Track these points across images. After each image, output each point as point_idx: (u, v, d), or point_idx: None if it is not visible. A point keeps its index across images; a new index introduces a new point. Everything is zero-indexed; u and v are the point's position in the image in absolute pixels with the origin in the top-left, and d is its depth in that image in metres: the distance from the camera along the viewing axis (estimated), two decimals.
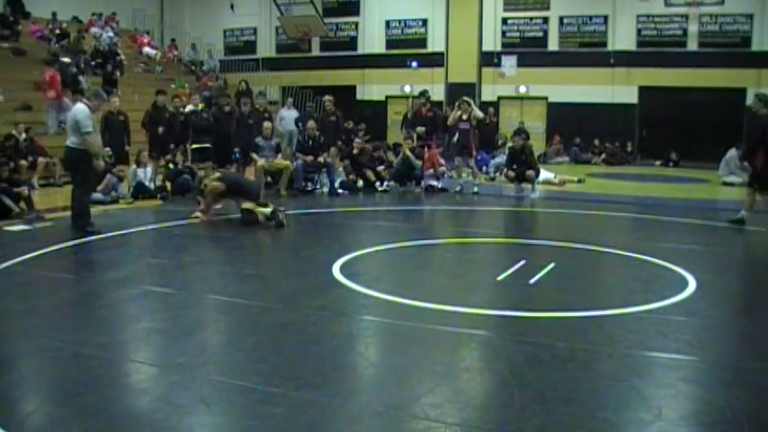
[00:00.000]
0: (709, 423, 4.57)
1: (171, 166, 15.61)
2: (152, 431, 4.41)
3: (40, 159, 16.32)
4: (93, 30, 27.13)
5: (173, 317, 6.84)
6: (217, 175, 12.79)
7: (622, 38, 26.17)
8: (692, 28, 25.25)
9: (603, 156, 25.57)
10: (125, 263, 9.35)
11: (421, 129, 17.51)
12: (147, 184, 15.08)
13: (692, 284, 7.91)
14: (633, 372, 5.35)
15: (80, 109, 10.93)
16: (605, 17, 26.49)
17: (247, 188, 12.46)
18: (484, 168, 20.11)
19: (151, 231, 11.26)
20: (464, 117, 16.53)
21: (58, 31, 25.53)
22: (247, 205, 11.87)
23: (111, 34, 27.06)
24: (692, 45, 25.30)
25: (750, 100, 22.06)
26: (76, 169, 11.18)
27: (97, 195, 14.05)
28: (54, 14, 26.72)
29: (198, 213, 12.25)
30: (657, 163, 24.43)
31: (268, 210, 11.76)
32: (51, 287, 8.39)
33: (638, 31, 26.04)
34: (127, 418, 4.58)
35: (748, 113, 17.39)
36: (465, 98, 17.18)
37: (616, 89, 25.87)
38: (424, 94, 18.47)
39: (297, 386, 5.00)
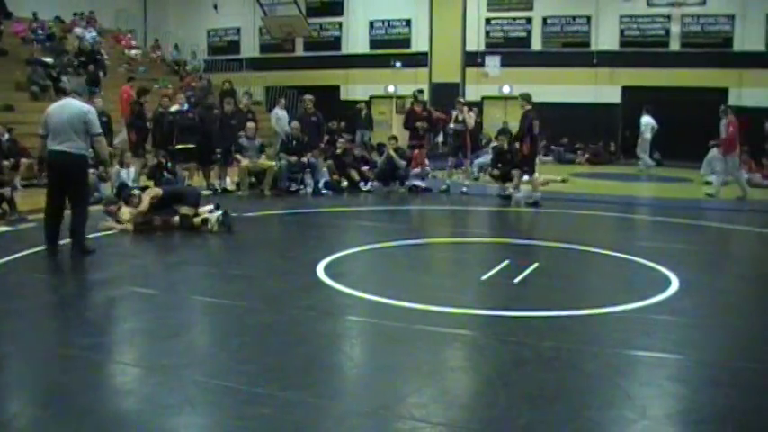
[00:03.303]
0: (693, 421, 4.60)
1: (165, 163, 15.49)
2: None
3: (23, 160, 16.20)
4: (77, 30, 27.02)
5: (158, 318, 6.82)
6: (158, 190, 12.00)
7: (605, 38, 26.26)
8: (675, 28, 25.37)
9: (587, 155, 25.65)
10: (110, 264, 9.31)
11: (421, 124, 17.46)
12: (129, 184, 15.00)
13: (676, 283, 7.96)
14: (618, 370, 5.38)
15: (88, 108, 9.59)
16: (588, 17, 26.58)
17: (186, 195, 11.85)
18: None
19: (135, 232, 11.19)
20: (460, 118, 16.56)
21: (41, 32, 25.43)
22: (185, 211, 11.38)
23: (93, 34, 26.95)
24: (675, 45, 25.42)
25: (731, 100, 22.38)
26: (79, 181, 9.52)
27: None
28: (35, 14, 26.58)
29: (111, 223, 11.46)
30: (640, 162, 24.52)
31: (218, 213, 11.44)
32: (35, 288, 8.35)
33: (621, 31, 26.14)
34: (112, 420, 4.57)
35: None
36: (460, 99, 17.26)
37: (599, 89, 25.95)
38: (420, 93, 18.51)
39: (283, 386, 5.00)
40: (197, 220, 11.31)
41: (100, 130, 9.57)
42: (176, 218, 11.38)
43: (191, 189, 12.74)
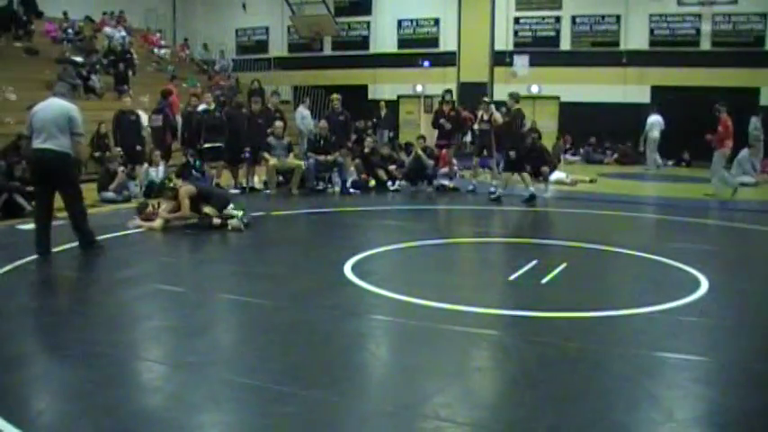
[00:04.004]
0: (720, 424, 4.55)
1: (194, 162, 15.58)
2: (163, 429, 4.42)
3: None
4: (106, 29, 27.23)
5: (184, 316, 6.85)
6: (191, 187, 11.83)
7: (635, 37, 26.09)
8: (705, 27, 25.15)
9: (615, 155, 25.50)
10: (137, 261, 9.37)
11: (444, 122, 17.45)
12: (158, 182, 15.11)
13: (705, 285, 7.86)
14: (644, 372, 5.33)
15: (72, 107, 9.35)
16: (618, 16, 26.42)
17: (214, 196, 11.75)
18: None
19: (163, 230, 11.25)
20: (485, 117, 16.50)
21: (71, 31, 25.66)
22: (207, 210, 11.35)
23: (123, 33, 27.14)
24: (705, 44, 25.20)
25: (763, 100, 22.18)
26: (65, 178, 9.28)
27: (109, 194, 14.14)
28: (65, 13, 26.82)
29: (139, 222, 11.49)
30: (670, 163, 24.29)
31: (239, 213, 11.47)
32: (63, 285, 8.45)
33: (651, 30, 25.96)
34: (138, 417, 4.59)
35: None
36: (485, 99, 17.23)
37: (628, 89, 25.78)
38: (448, 92, 18.47)
39: (307, 385, 5.00)
40: (216, 221, 11.26)
41: (82, 131, 9.36)
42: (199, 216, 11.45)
43: (220, 192, 12.62)
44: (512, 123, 15.38)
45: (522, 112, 15.67)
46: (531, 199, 14.89)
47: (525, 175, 15.31)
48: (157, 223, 11.26)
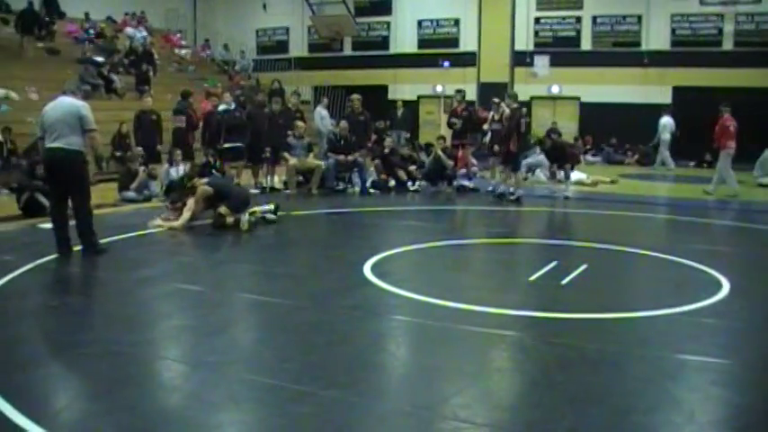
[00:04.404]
0: (741, 427, 4.52)
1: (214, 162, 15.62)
2: (182, 428, 4.44)
3: None
4: (128, 29, 27.39)
5: (203, 315, 6.87)
6: (205, 180, 12.03)
7: (656, 37, 25.93)
8: (728, 27, 24.94)
9: (636, 156, 25.36)
10: (156, 261, 9.41)
11: (455, 121, 17.45)
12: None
13: (726, 287, 7.81)
14: (665, 374, 5.30)
15: (82, 104, 9.37)
16: (639, 16, 26.26)
17: (230, 197, 11.60)
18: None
19: (183, 230, 11.29)
20: (496, 117, 16.49)
21: (92, 31, 25.84)
22: (222, 210, 11.34)
23: (144, 34, 27.28)
24: (728, 44, 24.99)
25: None
26: (77, 177, 9.24)
27: (130, 194, 14.21)
28: (87, 14, 26.99)
29: (159, 221, 11.56)
30: (691, 164, 24.16)
31: (270, 206, 11.69)
32: (83, 284, 8.51)
33: (673, 30, 25.78)
34: (157, 415, 4.62)
35: None
36: (494, 99, 17.20)
37: (649, 89, 25.61)
38: (459, 92, 18.44)
39: (326, 385, 5.00)
40: (230, 220, 11.29)
41: (94, 126, 9.31)
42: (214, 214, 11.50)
43: (240, 191, 12.31)
44: (510, 122, 15.40)
45: (520, 111, 15.69)
46: (516, 200, 15.15)
47: (518, 175, 15.66)
48: (179, 223, 11.31)
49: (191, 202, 11.43)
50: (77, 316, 6.91)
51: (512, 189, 15.53)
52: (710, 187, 16.53)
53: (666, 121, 23.05)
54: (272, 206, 12.04)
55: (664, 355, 5.70)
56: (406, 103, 25.09)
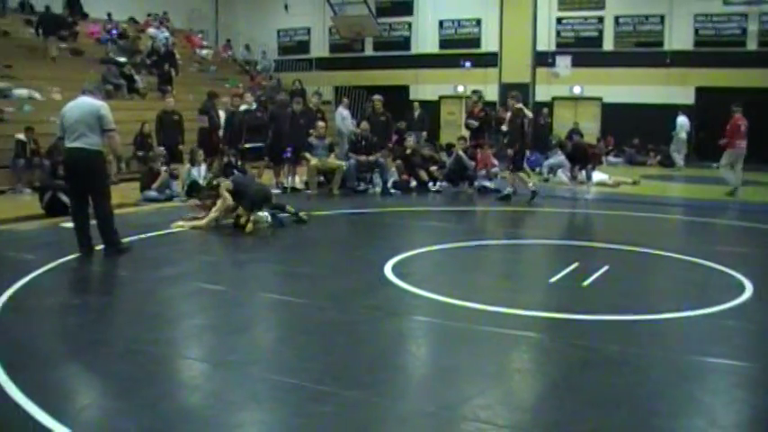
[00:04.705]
0: (764, 431, 4.48)
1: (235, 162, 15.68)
2: (203, 427, 4.45)
3: None
4: (150, 30, 27.53)
5: (225, 314, 6.90)
6: (228, 183, 11.77)
7: (679, 37, 25.77)
8: (752, 27, 24.74)
9: (659, 157, 25.20)
10: (178, 260, 9.45)
11: (471, 122, 17.45)
12: (200, 182, 15.22)
13: (749, 289, 7.75)
14: (687, 377, 5.27)
15: (101, 104, 9.43)
16: (662, 16, 26.12)
17: (246, 196, 11.44)
18: (537, 169, 19.98)
19: (205, 230, 11.33)
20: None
21: (114, 32, 26.01)
22: (240, 212, 11.33)
23: (166, 34, 27.42)
24: (752, 44, 24.80)
25: None
26: (96, 177, 9.34)
27: (152, 193, 14.28)
28: (109, 15, 27.17)
29: (182, 222, 11.57)
30: (714, 165, 23.95)
31: (264, 214, 11.56)
32: (106, 283, 8.55)
33: (696, 30, 25.61)
34: (179, 414, 4.64)
35: None
36: (510, 99, 17.24)
37: (672, 90, 25.44)
38: (476, 93, 18.43)
39: (347, 385, 5.01)
40: (246, 223, 11.22)
41: (113, 126, 9.38)
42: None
43: (258, 189, 12.09)
44: (513, 122, 15.46)
45: (523, 111, 15.74)
46: (505, 198, 15.30)
47: (513, 174, 15.70)
48: (204, 221, 11.34)
49: (220, 202, 11.45)
50: (99, 314, 6.96)
51: (508, 188, 15.64)
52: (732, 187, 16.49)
53: (683, 120, 23.00)
54: (291, 209, 12.04)
55: (686, 358, 5.67)
56: (423, 103, 25.03)
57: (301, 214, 12.05)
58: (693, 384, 5.13)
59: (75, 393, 5.01)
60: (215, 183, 11.79)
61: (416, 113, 23.18)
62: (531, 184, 15.53)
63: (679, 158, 23.37)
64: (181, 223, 11.48)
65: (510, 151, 15.55)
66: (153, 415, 4.54)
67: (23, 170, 15.85)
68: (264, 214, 11.52)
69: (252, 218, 11.24)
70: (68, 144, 9.19)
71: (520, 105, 15.75)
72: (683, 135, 23.16)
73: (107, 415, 4.62)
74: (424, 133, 22.59)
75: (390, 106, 18.82)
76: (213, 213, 11.40)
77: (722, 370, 5.46)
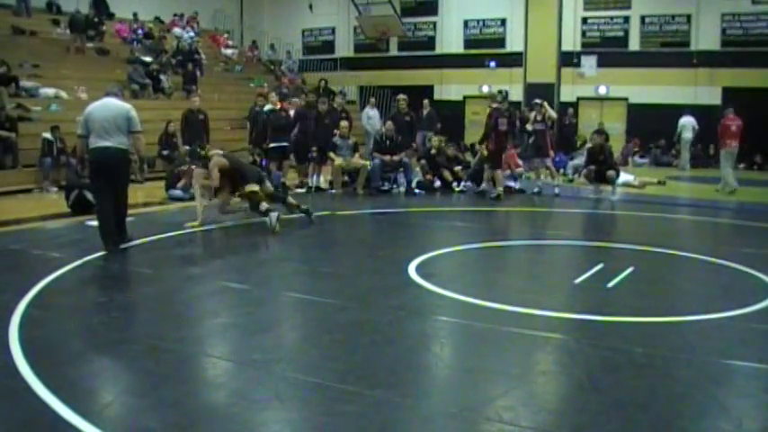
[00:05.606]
0: None
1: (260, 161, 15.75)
2: (227, 425, 4.46)
3: None
4: (176, 30, 27.70)
5: (249, 313, 6.92)
6: (220, 152, 11.90)
7: (706, 37, 25.59)
8: None
9: None
10: (203, 259, 9.52)
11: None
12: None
13: None
14: (712, 380, 5.23)
15: (129, 106, 9.79)
16: (688, 16, 25.96)
17: (246, 172, 11.70)
18: (561, 170, 19.90)
19: (228, 228, 11.40)
20: (538, 118, 16.53)
21: (140, 32, 26.20)
22: (251, 187, 11.38)
23: (192, 34, 27.56)
24: None
25: None
26: (122, 175, 9.81)
27: (177, 192, 14.36)
28: (135, 15, 27.35)
29: (193, 222, 11.54)
30: (741, 166, 23.79)
31: (275, 213, 11.41)
32: (131, 281, 8.59)
33: (723, 30, 25.43)
34: (203, 412, 4.65)
35: None
36: (536, 100, 17.23)
37: (699, 90, 25.29)
38: (500, 93, 18.39)
39: (370, 385, 5.01)
40: (264, 206, 11.22)
41: (140, 128, 9.74)
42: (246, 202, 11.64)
43: (249, 166, 12.53)
44: (488, 120, 15.77)
45: (499, 110, 15.80)
46: (496, 198, 15.38)
47: (498, 173, 15.79)
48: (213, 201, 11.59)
49: (215, 173, 11.34)
50: (124, 312, 7.00)
51: (497, 188, 15.71)
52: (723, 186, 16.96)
53: (687, 120, 22.95)
54: (293, 201, 12.10)
55: (711, 361, 5.62)
56: (432, 102, 24.82)
57: (303, 207, 12.05)
58: (719, 387, 5.09)
59: (101, 390, 5.04)
60: (210, 154, 11.78)
61: (425, 111, 22.60)
62: (548, 183, 15.57)
63: (686, 162, 23.26)
64: (189, 224, 11.50)
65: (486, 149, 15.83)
66: (177, 412, 4.57)
67: (50, 169, 15.99)
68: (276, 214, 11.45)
69: (267, 206, 11.27)
70: (98, 143, 9.35)
71: (496, 105, 15.87)
72: (688, 135, 23.03)
73: (132, 412, 4.64)
74: (431, 133, 22.41)
75: (415, 106, 18.81)
76: (201, 180, 11.61)
77: (748, 373, 5.41)
